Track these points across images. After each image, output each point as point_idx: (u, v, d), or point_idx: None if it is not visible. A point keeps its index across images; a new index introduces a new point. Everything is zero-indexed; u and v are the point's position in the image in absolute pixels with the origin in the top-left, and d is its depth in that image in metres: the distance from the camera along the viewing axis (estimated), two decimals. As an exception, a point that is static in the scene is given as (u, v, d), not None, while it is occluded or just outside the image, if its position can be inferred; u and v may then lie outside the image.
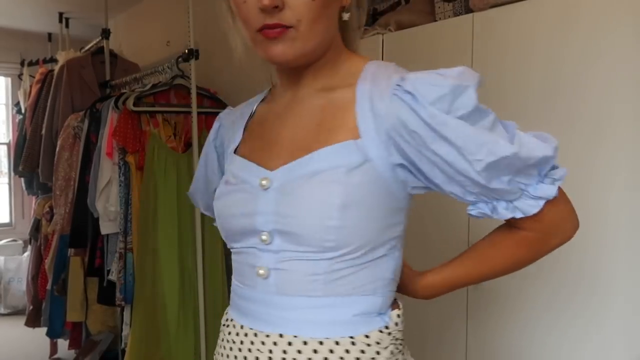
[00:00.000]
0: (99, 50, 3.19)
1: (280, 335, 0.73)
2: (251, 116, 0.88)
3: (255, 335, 0.75)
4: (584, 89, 1.36)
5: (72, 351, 3.09)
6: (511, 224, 0.77)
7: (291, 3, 0.69)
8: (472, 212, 0.75)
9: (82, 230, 2.53)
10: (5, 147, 4.92)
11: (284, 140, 0.78)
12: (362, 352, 0.72)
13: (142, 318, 2.27)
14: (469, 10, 1.64)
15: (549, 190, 0.71)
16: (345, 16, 0.78)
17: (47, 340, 3.24)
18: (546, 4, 1.43)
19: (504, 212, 0.73)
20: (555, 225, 0.76)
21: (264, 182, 0.75)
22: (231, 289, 0.84)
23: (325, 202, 0.70)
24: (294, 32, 0.70)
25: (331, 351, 0.71)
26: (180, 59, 2.31)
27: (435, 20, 1.76)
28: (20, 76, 4.26)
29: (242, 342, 0.76)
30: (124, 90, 2.66)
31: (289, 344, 0.72)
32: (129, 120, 2.26)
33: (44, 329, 3.10)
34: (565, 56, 1.39)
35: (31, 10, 3.81)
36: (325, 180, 0.71)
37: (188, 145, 2.38)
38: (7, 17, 4.04)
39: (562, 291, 1.43)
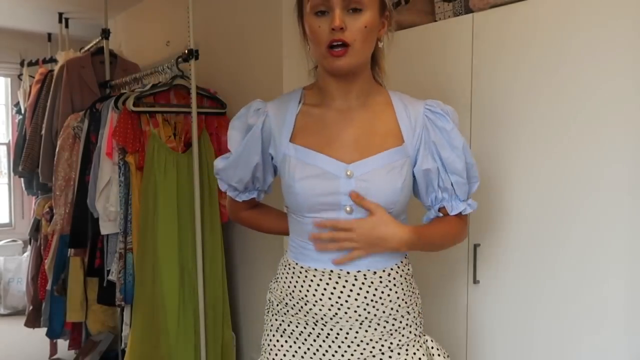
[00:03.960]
0: (99, 50, 3.19)
1: (358, 271, 1.14)
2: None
3: (338, 275, 1.13)
4: (584, 89, 1.36)
5: (72, 351, 3.09)
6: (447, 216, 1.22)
7: (350, 27, 1.05)
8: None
9: (82, 230, 2.53)
10: (5, 147, 4.92)
11: (348, 139, 1.14)
12: (402, 269, 1.19)
13: (142, 318, 2.27)
14: (469, 10, 1.64)
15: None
16: (380, 44, 1.15)
17: (47, 340, 3.24)
18: (546, 4, 1.43)
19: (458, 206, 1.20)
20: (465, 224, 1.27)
21: (349, 173, 1.11)
22: (295, 246, 1.20)
23: (394, 185, 1.12)
24: (351, 49, 1.06)
25: (390, 272, 1.16)
26: (180, 59, 2.31)
27: (435, 20, 1.76)
28: (20, 76, 4.26)
29: (329, 279, 1.14)
30: (124, 90, 2.66)
31: (364, 276, 1.14)
32: (128, 120, 2.26)
33: (44, 329, 3.10)
34: (565, 56, 1.40)
35: (31, 10, 3.81)
36: (391, 171, 1.12)
37: (188, 145, 2.38)
38: (7, 17, 4.03)
39: (563, 290, 1.43)
